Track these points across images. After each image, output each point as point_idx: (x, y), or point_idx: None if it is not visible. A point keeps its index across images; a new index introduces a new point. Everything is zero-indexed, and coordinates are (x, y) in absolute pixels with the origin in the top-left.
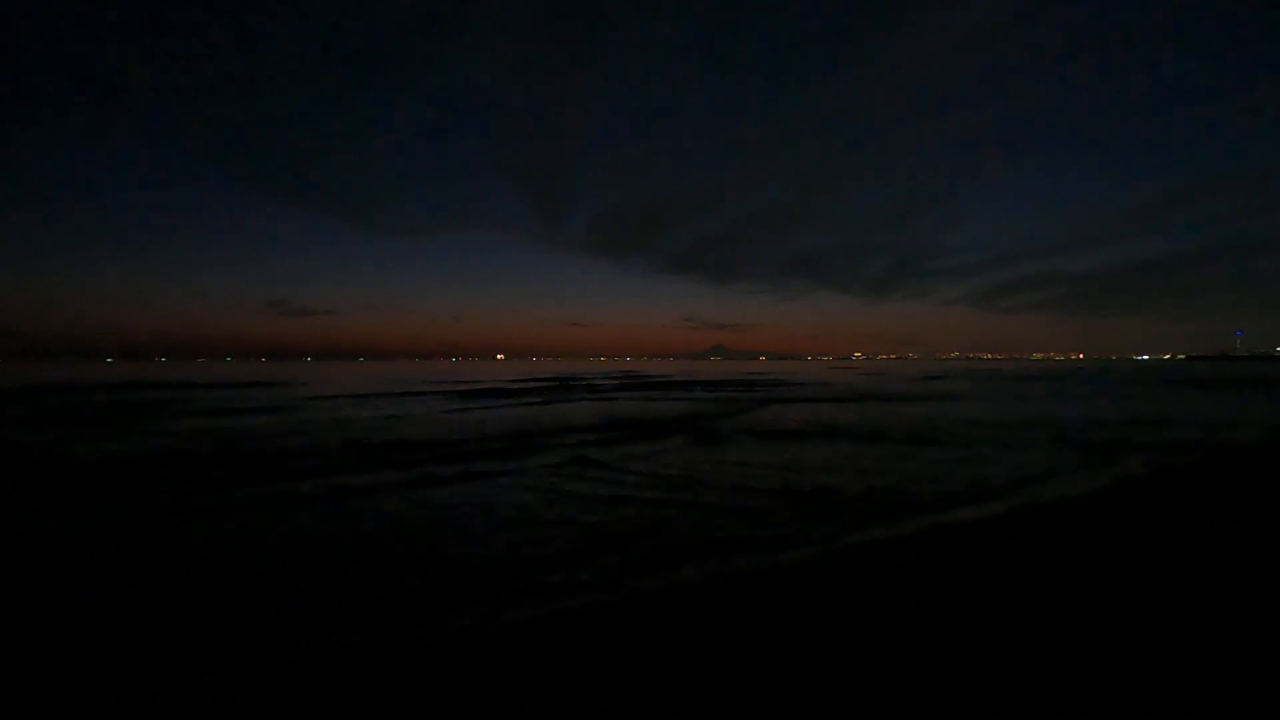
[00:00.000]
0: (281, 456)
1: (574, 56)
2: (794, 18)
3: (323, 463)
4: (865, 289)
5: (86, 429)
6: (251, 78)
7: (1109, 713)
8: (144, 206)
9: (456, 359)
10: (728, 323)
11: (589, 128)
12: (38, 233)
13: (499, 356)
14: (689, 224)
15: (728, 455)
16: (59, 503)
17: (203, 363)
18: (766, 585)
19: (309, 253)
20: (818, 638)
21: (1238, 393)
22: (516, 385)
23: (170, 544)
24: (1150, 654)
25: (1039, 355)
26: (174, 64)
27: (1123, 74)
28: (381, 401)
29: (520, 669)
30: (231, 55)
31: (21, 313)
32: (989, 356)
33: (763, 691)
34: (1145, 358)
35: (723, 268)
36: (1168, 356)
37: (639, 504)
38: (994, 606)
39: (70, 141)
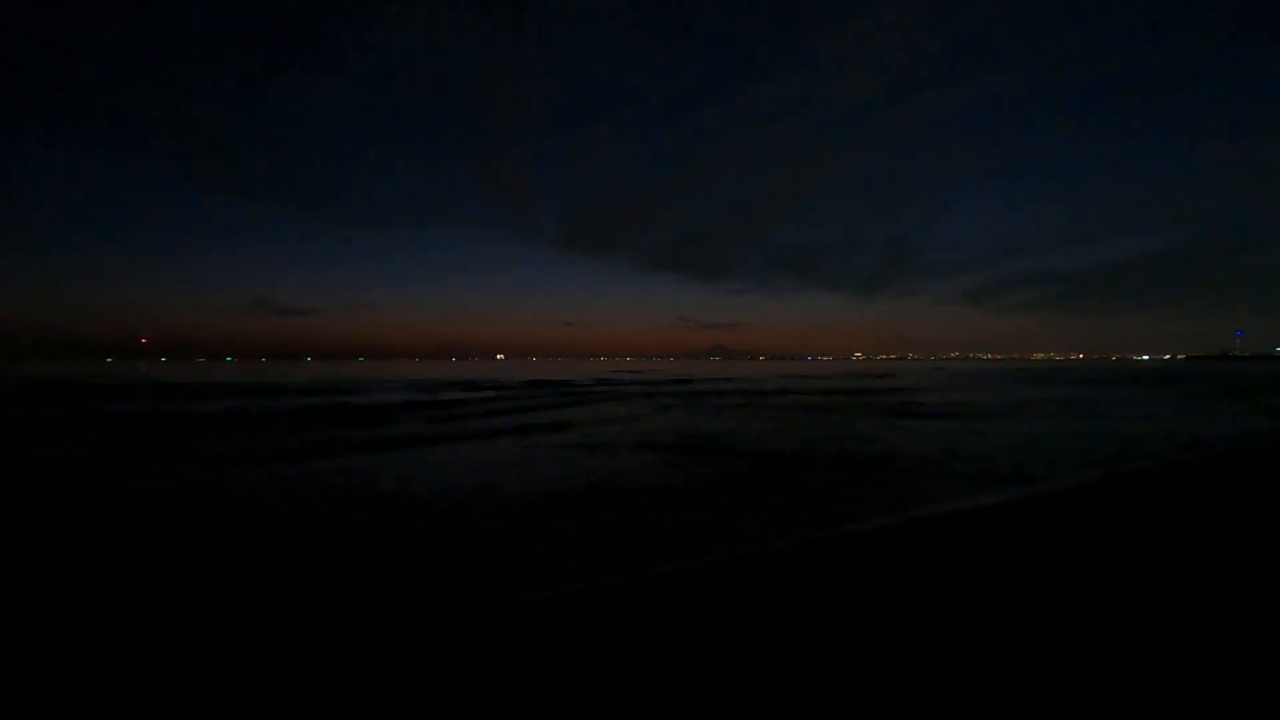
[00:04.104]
0: None
1: (510, 29)
2: None
3: None
4: (855, 287)
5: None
6: (183, 67)
7: (1109, 713)
8: (115, 209)
9: (455, 359)
10: (721, 322)
11: (538, 110)
12: (14, 236)
13: (499, 357)
14: (664, 219)
15: None
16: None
17: (204, 363)
18: (767, 584)
19: (284, 250)
20: (817, 638)
21: None
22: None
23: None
24: (1150, 654)
25: (1039, 355)
26: (128, 68)
27: (1113, 57)
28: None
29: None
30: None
31: (7, 313)
32: (989, 356)
33: (763, 692)
34: (1146, 357)
35: (708, 265)
36: (1168, 356)
37: None
38: (994, 606)
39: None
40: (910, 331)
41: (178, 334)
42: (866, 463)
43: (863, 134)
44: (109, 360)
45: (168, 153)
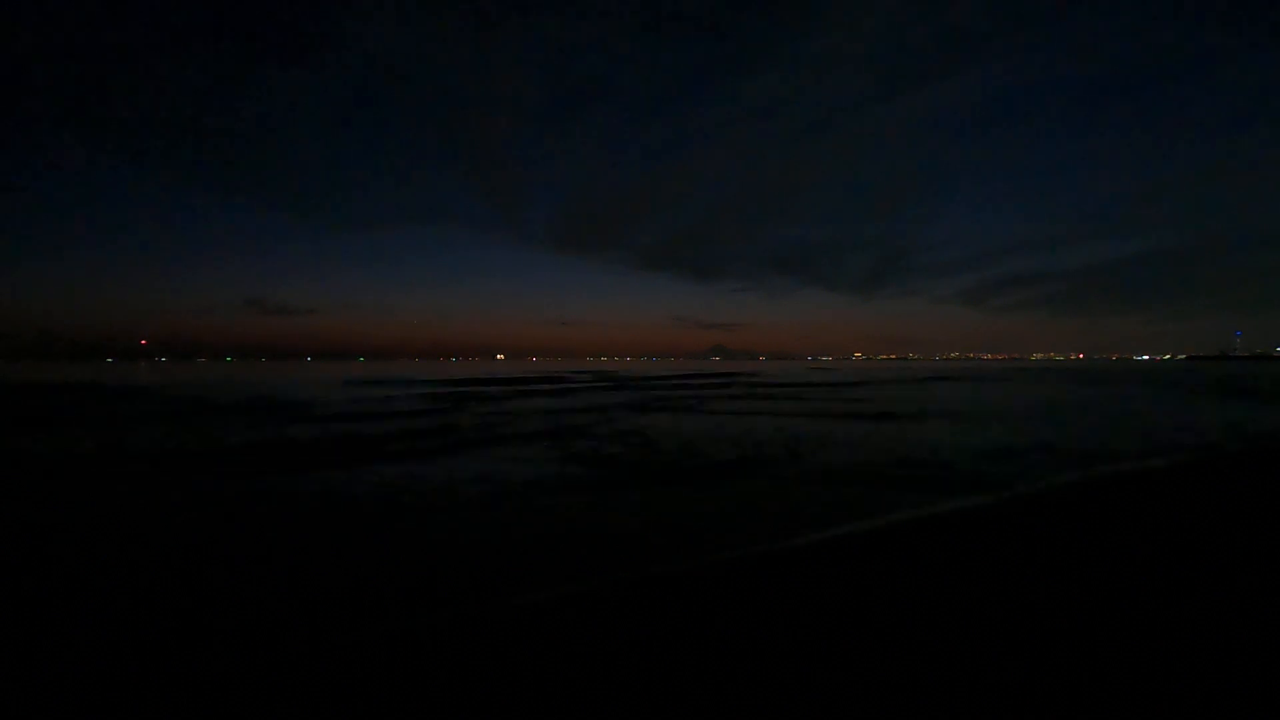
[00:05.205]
0: None
1: (498, 26)
2: None
3: None
4: (853, 287)
5: None
6: (161, 63)
7: (1109, 713)
8: (111, 210)
9: (456, 359)
10: (718, 322)
11: (529, 107)
12: (11, 237)
13: (499, 357)
14: (657, 218)
15: None
16: None
17: (203, 363)
18: (768, 584)
19: (277, 250)
20: (818, 637)
21: None
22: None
23: None
24: (1150, 654)
25: (1039, 355)
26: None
27: (1111, 52)
28: None
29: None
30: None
31: (5, 314)
32: (989, 357)
33: (762, 692)
34: (1146, 358)
35: (704, 264)
36: (1167, 356)
37: None
38: (993, 607)
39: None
40: (910, 331)
41: (174, 334)
42: None
43: (855, 131)
44: (109, 361)
45: (161, 153)
